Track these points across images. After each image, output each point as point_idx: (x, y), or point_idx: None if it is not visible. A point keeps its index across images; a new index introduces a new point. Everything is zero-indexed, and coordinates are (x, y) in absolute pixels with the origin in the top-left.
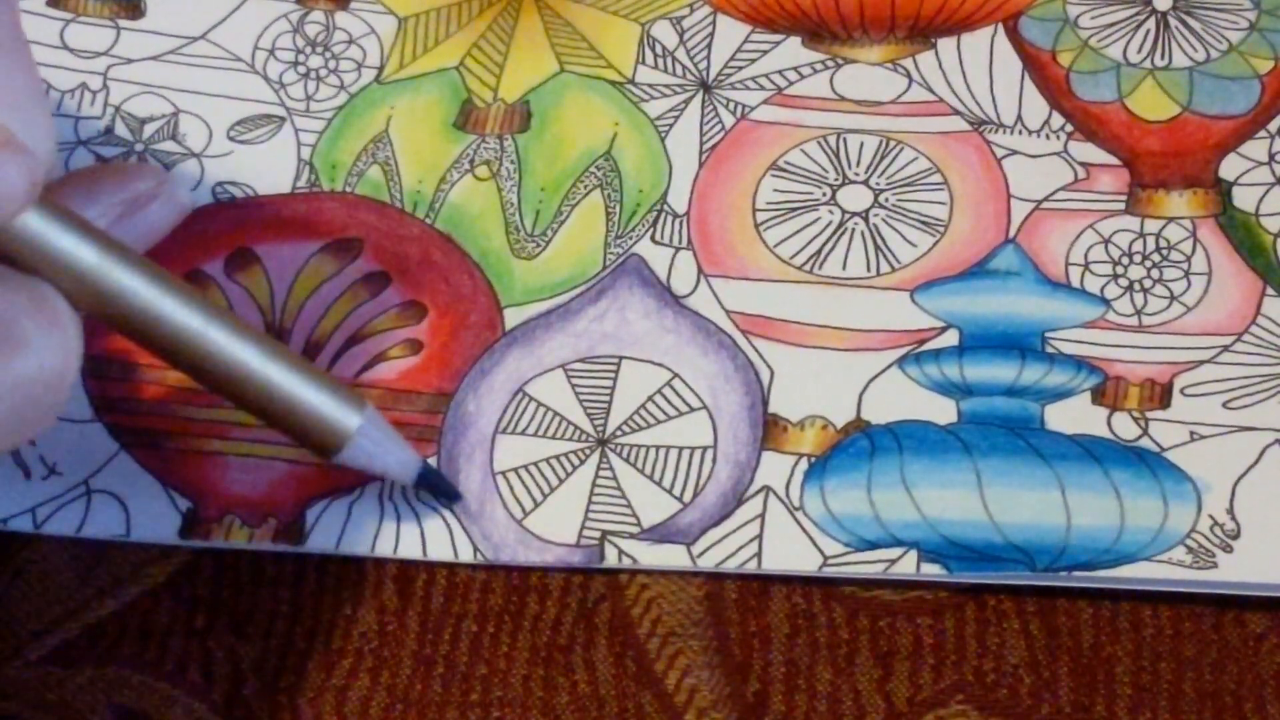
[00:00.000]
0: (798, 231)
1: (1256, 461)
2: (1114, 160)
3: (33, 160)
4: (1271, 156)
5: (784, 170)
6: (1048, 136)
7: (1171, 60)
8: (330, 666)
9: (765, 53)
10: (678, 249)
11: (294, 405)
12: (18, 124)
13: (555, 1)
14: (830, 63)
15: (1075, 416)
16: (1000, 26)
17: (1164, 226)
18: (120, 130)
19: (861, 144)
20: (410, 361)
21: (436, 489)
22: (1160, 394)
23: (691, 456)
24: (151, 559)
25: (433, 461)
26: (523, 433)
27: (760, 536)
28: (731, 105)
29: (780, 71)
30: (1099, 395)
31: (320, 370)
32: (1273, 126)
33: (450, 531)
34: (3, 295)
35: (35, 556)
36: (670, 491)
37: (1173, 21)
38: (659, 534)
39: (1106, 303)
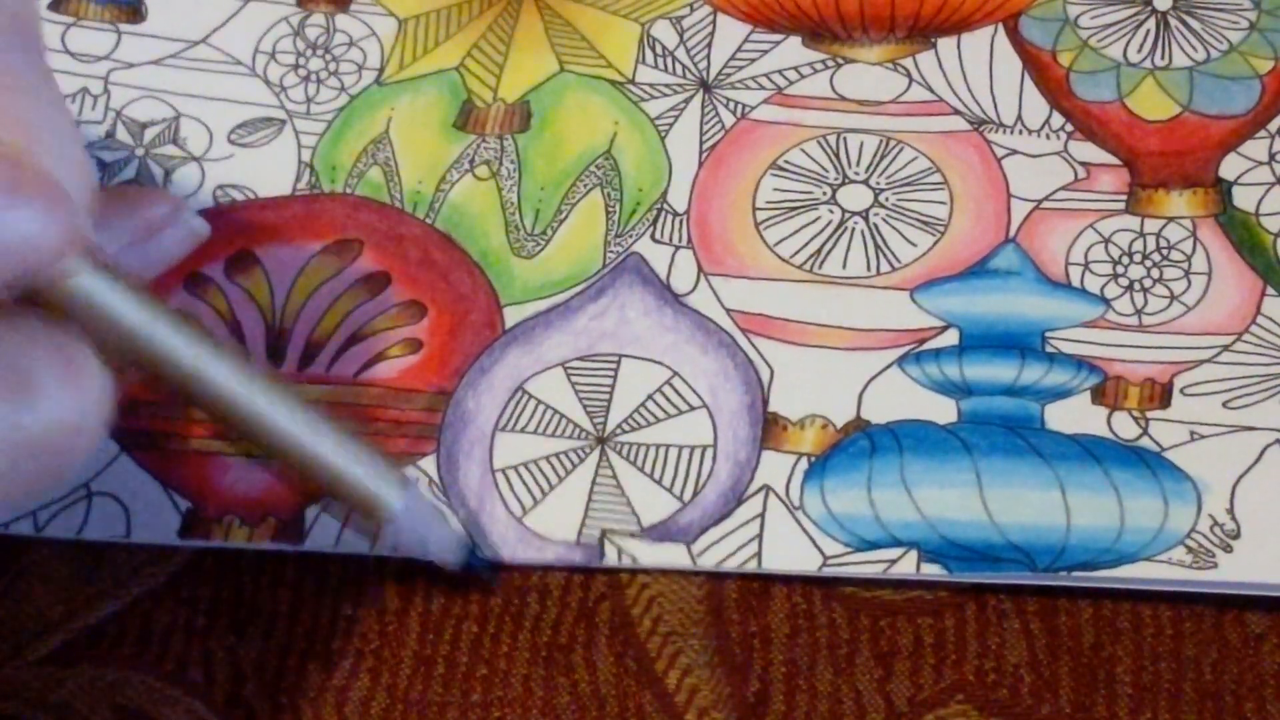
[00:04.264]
0: (798, 230)
1: (1256, 461)
2: (1114, 160)
3: (75, 211)
4: (1272, 156)
5: (784, 169)
6: (1048, 136)
7: (1172, 60)
8: (330, 667)
9: (765, 52)
10: (677, 248)
11: (335, 481)
12: (58, 168)
13: (555, 1)
14: (830, 62)
15: (1075, 416)
16: (1000, 26)
17: (1164, 226)
18: (121, 134)
19: (861, 143)
20: (410, 360)
21: (480, 571)
22: (1160, 394)
23: (691, 455)
24: (151, 559)
25: (431, 459)
26: (522, 430)
27: (760, 536)
28: (731, 105)
29: (780, 71)
30: (1099, 395)
31: (368, 444)
32: (1273, 126)
33: None
34: (22, 342)
35: (36, 557)
36: (670, 490)
37: (1173, 21)
38: (659, 533)
39: (1106, 302)
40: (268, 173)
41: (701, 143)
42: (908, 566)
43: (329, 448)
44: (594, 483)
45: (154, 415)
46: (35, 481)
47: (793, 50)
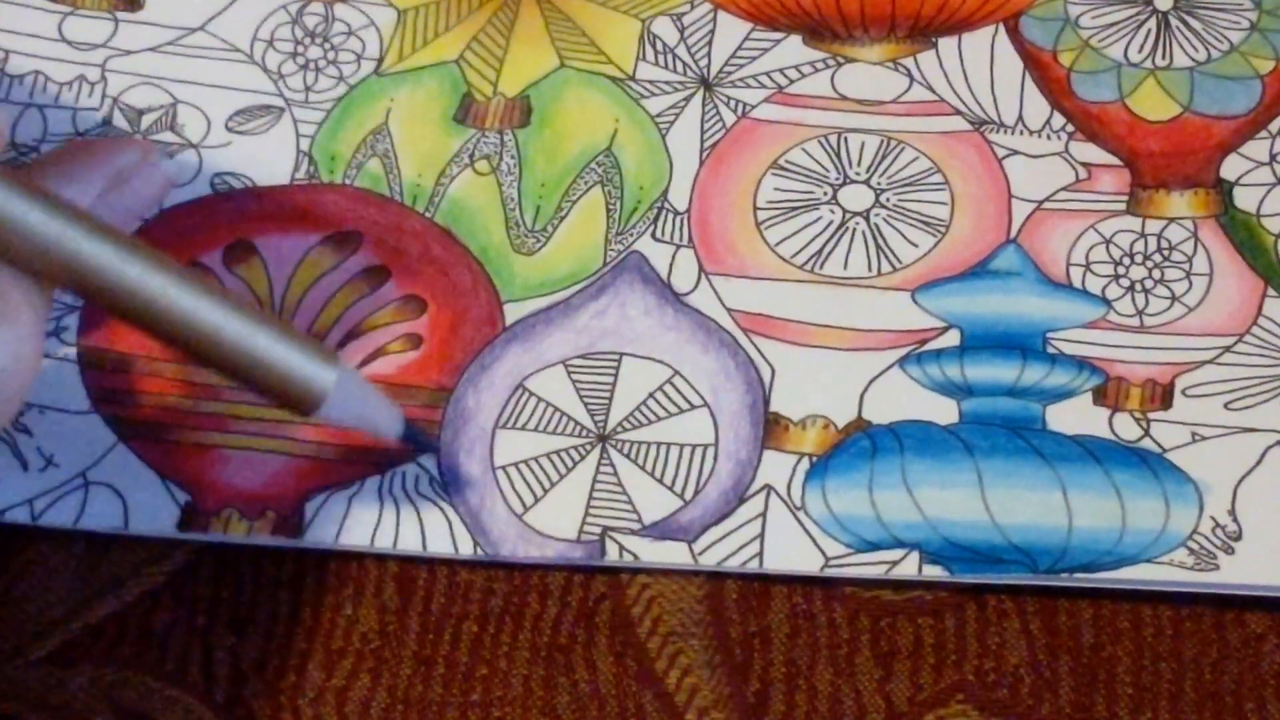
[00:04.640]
0: (799, 230)
1: (1258, 463)
2: (1115, 160)
3: None
4: (1273, 157)
5: (785, 169)
6: (1049, 136)
7: (1172, 60)
8: (330, 666)
9: (766, 51)
10: (678, 247)
11: (267, 363)
12: None
13: None
14: (831, 61)
15: (1077, 417)
16: (1001, 26)
17: (1165, 227)
18: (119, 121)
19: (862, 143)
20: (410, 356)
21: (418, 442)
22: (1162, 395)
23: (693, 454)
24: (152, 559)
25: (432, 456)
26: (523, 428)
27: (762, 536)
28: (732, 103)
29: (781, 70)
30: (1100, 396)
31: (292, 327)
32: (1274, 126)
33: (450, 526)
34: None
35: (36, 557)
36: (671, 488)
37: (1174, 21)
38: (660, 530)
39: (1108, 303)
40: (266, 161)
41: (702, 141)
42: (910, 568)
43: (253, 332)
44: (595, 480)
45: (152, 406)
46: None
47: (793, 49)
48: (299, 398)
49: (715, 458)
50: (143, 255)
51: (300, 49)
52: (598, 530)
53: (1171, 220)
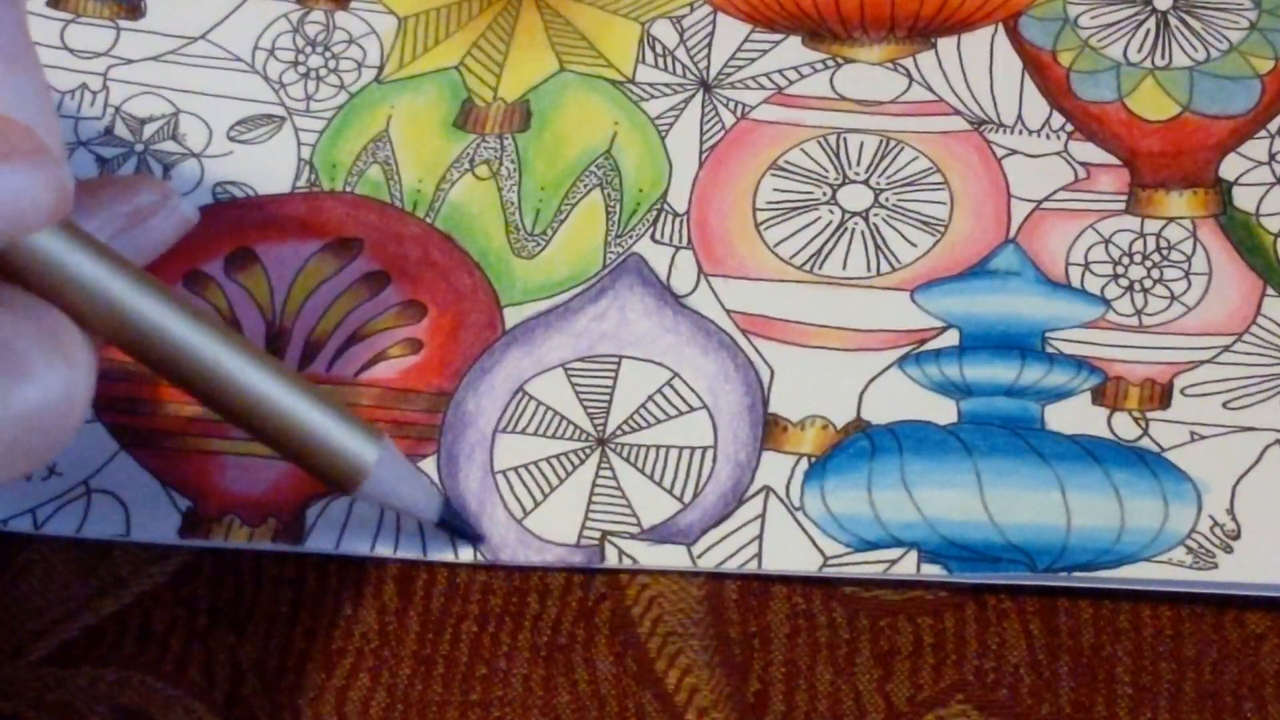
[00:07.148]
0: (798, 231)
1: (1257, 462)
2: (1114, 160)
3: (64, 173)
4: (1272, 156)
5: (784, 170)
6: (1048, 136)
7: (1172, 60)
8: (330, 666)
9: (765, 52)
10: (678, 248)
11: (310, 438)
12: (44, 133)
13: (555, 0)
14: (830, 62)
15: (1075, 417)
16: (1000, 26)
17: (1164, 226)
18: (120, 130)
19: (862, 143)
20: (410, 361)
21: (457, 529)
22: (1160, 394)
23: (691, 456)
24: (151, 559)
25: (432, 460)
26: (522, 432)
27: (760, 537)
28: (732, 104)
29: (780, 71)
30: (1099, 395)
31: (339, 403)
32: (1273, 126)
33: (450, 531)
34: (10, 321)
35: (36, 557)
36: (670, 491)
37: (1173, 21)
38: (659, 534)
39: (1106, 303)
40: (267, 170)
41: (702, 143)
42: (908, 567)
43: (300, 406)
44: (594, 484)
45: (154, 414)
46: (29, 456)
47: (793, 50)
48: (339, 475)
49: (714, 460)
50: (193, 318)
51: (301, 58)
52: (597, 534)
53: (1170, 220)
